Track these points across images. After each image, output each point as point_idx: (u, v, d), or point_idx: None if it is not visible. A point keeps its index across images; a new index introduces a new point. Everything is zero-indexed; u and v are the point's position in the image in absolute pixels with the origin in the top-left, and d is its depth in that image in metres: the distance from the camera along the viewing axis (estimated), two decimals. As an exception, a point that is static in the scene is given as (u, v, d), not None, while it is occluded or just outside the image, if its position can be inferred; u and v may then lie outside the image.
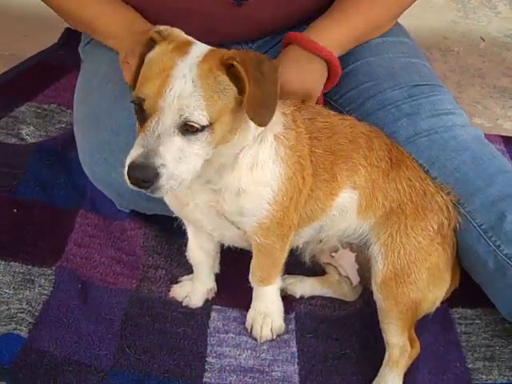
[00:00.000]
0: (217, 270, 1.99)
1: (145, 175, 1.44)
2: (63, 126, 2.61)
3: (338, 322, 1.92)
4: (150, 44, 1.53)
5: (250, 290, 1.89)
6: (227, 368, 1.79)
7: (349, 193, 1.78)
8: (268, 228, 1.70)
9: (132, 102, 1.48)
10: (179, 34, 1.56)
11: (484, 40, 3.50)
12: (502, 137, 2.71)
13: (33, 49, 3.05)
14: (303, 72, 1.88)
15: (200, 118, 1.43)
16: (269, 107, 1.49)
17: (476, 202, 1.84)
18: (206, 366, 1.79)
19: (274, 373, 1.79)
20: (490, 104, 3.01)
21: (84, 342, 1.79)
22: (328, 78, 1.96)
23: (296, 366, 1.80)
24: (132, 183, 1.47)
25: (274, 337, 1.87)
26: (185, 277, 2.02)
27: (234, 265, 1.98)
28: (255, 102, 1.45)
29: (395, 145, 1.88)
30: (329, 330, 1.90)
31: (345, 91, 2.06)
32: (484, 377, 1.79)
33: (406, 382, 1.75)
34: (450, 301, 1.95)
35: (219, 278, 2.00)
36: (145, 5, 2.03)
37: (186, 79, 1.43)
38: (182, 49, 1.48)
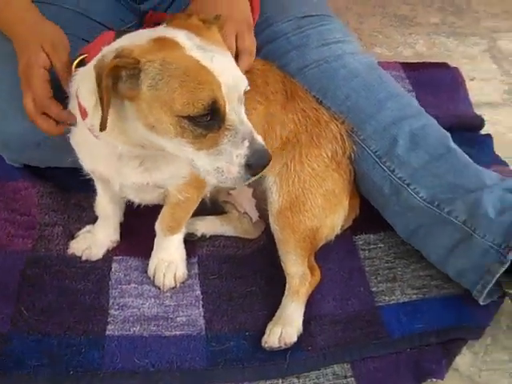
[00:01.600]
0: (121, 219, 1.94)
1: (269, 158, 1.42)
2: None
3: (242, 261, 1.90)
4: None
5: (150, 237, 1.85)
6: (130, 318, 1.74)
7: None
8: (190, 183, 1.67)
9: (191, 118, 1.33)
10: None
11: (385, -30, 3.47)
12: (402, 63, 2.70)
13: None
14: (236, 3, 1.78)
15: None
16: None
17: (368, 129, 1.85)
18: (109, 319, 1.74)
19: (178, 318, 1.76)
20: (391, 32, 3.00)
21: (-23, 308, 1.72)
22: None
23: (201, 309, 1.78)
24: (253, 174, 1.41)
25: (177, 285, 1.83)
26: (82, 230, 1.95)
27: (133, 214, 1.91)
28: None
29: (288, 77, 1.87)
30: (232, 269, 1.88)
31: None
32: (387, 298, 1.80)
33: (312, 311, 1.75)
34: (354, 228, 1.96)
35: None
36: None
37: (222, 58, 1.37)
38: (172, 45, 1.36)
